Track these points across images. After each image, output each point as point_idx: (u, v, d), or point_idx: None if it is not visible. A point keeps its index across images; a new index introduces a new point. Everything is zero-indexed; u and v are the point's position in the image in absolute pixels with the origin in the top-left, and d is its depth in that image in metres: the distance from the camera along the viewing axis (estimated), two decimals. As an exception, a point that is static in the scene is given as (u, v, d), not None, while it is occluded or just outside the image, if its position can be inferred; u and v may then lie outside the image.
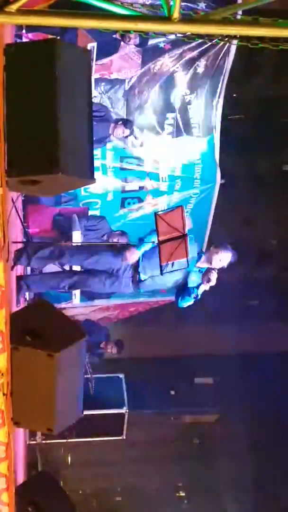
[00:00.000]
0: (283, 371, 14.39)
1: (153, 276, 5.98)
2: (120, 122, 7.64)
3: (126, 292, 6.63)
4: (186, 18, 2.87)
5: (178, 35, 3.58)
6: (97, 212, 8.49)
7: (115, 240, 7.11)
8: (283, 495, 14.51)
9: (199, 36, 3.14)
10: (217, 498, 15.24)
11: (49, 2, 3.01)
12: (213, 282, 5.95)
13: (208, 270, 5.94)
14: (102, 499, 15.61)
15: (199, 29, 2.87)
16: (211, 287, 6.04)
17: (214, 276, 5.93)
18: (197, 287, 5.96)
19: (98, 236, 7.41)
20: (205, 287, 5.97)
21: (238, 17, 3.13)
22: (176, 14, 2.78)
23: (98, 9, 2.95)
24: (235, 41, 3.28)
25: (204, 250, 6.64)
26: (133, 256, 6.08)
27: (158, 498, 15.57)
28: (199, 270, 5.99)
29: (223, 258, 5.96)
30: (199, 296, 5.99)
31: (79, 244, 6.78)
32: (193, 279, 5.98)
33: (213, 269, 5.94)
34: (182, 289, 6.03)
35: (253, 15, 2.96)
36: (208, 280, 5.92)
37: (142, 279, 6.09)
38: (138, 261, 6.11)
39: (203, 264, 5.99)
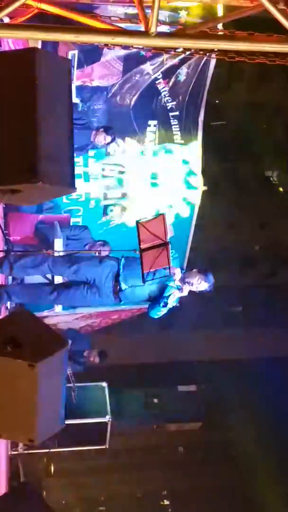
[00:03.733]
0: (267, 378, 14.43)
1: (133, 286, 5.99)
2: (102, 129, 7.64)
3: (107, 304, 6.64)
4: (163, 33, 2.87)
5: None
6: (79, 220, 8.46)
7: (96, 251, 7.12)
8: (268, 502, 14.53)
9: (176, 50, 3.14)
10: (202, 506, 15.21)
11: (28, 16, 3.02)
12: (184, 293, 6.00)
13: (188, 282, 5.99)
14: (85, 509, 15.52)
15: (175, 43, 2.89)
16: (196, 294, 6.08)
17: (186, 289, 5.98)
18: (167, 297, 5.98)
19: (80, 246, 7.39)
20: (176, 295, 5.99)
21: (219, 27, 3.14)
22: (153, 29, 2.78)
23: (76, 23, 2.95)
24: (212, 55, 3.30)
25: (185, 267, 6.70)
26: None
27: (142, 507, 15.50)
28: (176, 287, 6.01)
29: (199, 284, 6.00)
30: (168, 304, 5.98)
31: (62, 253, 6.76)
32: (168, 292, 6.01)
33: (189, 282, 5.98)
34: (154, 300, 6.05)
35: (234, 24, 2.97)
36: (181, 290, 5.96)
37: (123, 288, 6.10)
38: (118, 271, 6.12)
39: (178, 283, 6.01)
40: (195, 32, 2.70)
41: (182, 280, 6.00)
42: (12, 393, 3.46)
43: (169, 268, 5.61)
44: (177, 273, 5.99)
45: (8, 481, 7.88)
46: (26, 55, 3.33)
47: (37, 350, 3.48)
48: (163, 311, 6.01)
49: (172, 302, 5.98)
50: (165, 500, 16.40)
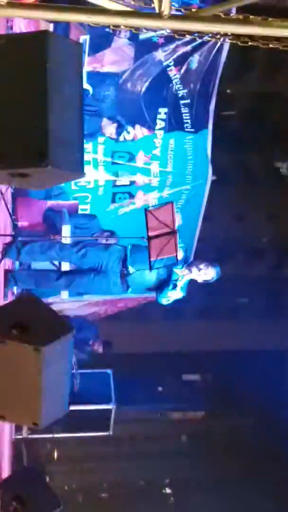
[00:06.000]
0: (271, 368, 14.44)
1: (140, 270, 6.00)
2: (115, 124, 7.64)
3: (114, 292, 6.65)
4: (176, 15, 2.84)
5: (168, 31, 3.56)
6: (87, 207, 8.45)
7: (103, 240, 7.13)
8: (269, 491, 14.57)
9: (189, 33, 3.11)
10: (204, 495, 15.29)
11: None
12: (193, 275, 5.99)
13: (191, 264, 6.01)
14: (88, 495, 15.63)
15: (189, 26, 2.85)
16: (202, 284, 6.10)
17: (195, 271, 5.97)
18: (177, 280, 6.00)
19: (88, 235, 7.40)
20: (185, 277, 5.99)
21: (233, 11, 3.10)
22: (166, 11, 2.75)
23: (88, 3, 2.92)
24: (225, 39, 3.27)
25: (192, 257, 6.73)
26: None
27: (144, 494, 15.60)
28: (181, 276, 6.02)
29: (206, 271, 6.00)
30: (177, 286, 5.98)
31: (69, 240, 6.77)
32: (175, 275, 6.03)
33: (197, 267, 5.99)
34: (162, 284, 6.07)
35: (248, 11, 2.93)
36: (190, 271, 5.96)
37: (130, 272, 6.11)
38: (126, 255, 6.14)
39: (184, 271, 6.02)
40: (208, 15, 2.68)
41: (190, 266, 6.01)
42: (17, 376, 3.46)
43: (176, 256, 5.63)
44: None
45: (11, 465, 7.91)
46: (37, 37, 3.30)
47: (43, 334, 3.48)
48: (171, 296, 6.01)
49: (181, 285, 5.99)
50: (167, 488, 16.50)
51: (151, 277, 6.05)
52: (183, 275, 5.98)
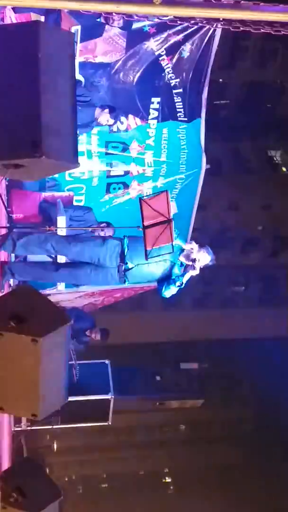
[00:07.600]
0: (268, 356, 14.49)
1: (139, 264, 5.98)
2: (107, 109, 7.60)
3: (111, 284, 6.64)
4: (167, 1, 2.83)
5: (161, 17, 3.55)
6: (82, 198, 8.44)
7: (100, 232, 7.13)
8: (267, 480, 14.65)
9: (181, 19, 3.10)
10: (203, 484, 15.36)
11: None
12: (197, 271, 6.02)
13: (194, 260, 6.01)
14: (87, 485, 15.70)
15: (180, 11, 2.85)
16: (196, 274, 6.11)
17: (197, 265, 6.00)
18: (182, 275, 6.00)
19: (83, 227, 7.39)
20: (189, 274, 6.01)
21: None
22: (157, -4, 2.74)
23: None
24: (217, 24, 3.26)
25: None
26: None
27: (144, 484, 15.66)
28: (181, 264, 6.03)
29: (201, 258, 6.01)
30: (183, 285, 6.02)
31: (64, 232, 6.76)
32: (176, 272, 6.03)
33: (196, 259, 6.01)
34: (165, 279, 6.06)
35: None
36: (193, 267, 5.97)
37: (130, 267, 6.09)
38: (124, 250, 6.11)
39: (182, 259, 6.04)
40: (200, 1, 2.67)
41: (188, 258, 6.01)
42: (15, 368, 3.47)
43: (173, 245, 5.62)
44: (195, 247, 6.01)
45: (11, 457, 7.94)
46: (29, 28, 3.29)
47: (40, 325, 3.48)
48: (174, 290, 6.03)
49: (185, 281, 6.02)
50: (166, 478, 16.57)
51: (150, 271, 6.04)
52: (184, 271, 6.00)
